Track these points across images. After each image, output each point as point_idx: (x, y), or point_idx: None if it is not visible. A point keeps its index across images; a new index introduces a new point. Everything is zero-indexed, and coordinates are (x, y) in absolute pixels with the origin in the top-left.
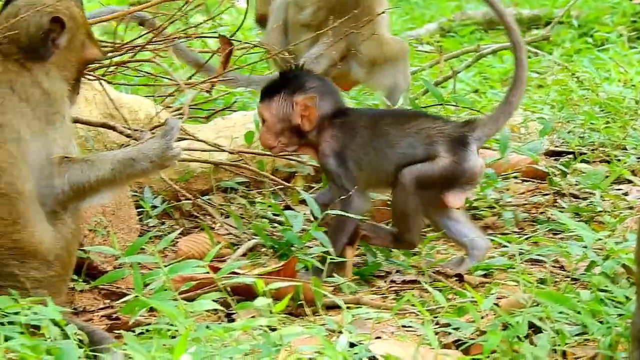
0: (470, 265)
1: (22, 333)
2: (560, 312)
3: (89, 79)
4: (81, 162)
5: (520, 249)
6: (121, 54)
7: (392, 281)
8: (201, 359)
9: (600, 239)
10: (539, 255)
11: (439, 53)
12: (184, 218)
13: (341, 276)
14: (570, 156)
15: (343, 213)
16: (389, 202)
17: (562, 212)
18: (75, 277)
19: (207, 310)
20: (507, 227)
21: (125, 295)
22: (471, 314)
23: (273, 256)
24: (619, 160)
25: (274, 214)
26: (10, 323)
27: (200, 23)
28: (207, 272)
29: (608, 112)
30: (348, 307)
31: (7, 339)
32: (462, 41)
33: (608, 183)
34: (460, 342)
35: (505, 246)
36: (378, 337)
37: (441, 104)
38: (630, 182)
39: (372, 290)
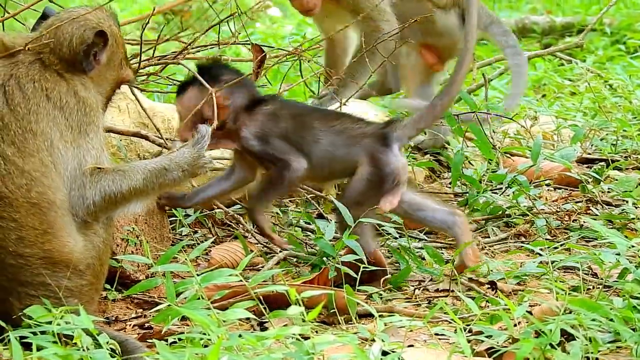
0: (463, 242)
1: (54, 342)
2: (593, 320)
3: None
4: (113, 173)
5: (553, 257)
6: (155, 64)
7: (425, 289)
8: None
9: (633, 246)
10: (571, 262)
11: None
12: (216, 227)
13: (374, 286)
14: (603, 163)
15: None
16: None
17: (595, 219)
18: (107, 286)
19: (240, 319)
20: (540, 234)
21: (157, 304)
22: (504, 322)
23: (306, 265)
24: None
25: (307, 222)
26: (43, 332)
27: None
28: (240, 281)
29: None
30: (381, 315)
31: (39, 348)
32: (495, 49)
33: None
34: (492, 350)
35: (538, 254)
36: (411, 345)
37: (474, 112)
38: None
39: (405, 299)
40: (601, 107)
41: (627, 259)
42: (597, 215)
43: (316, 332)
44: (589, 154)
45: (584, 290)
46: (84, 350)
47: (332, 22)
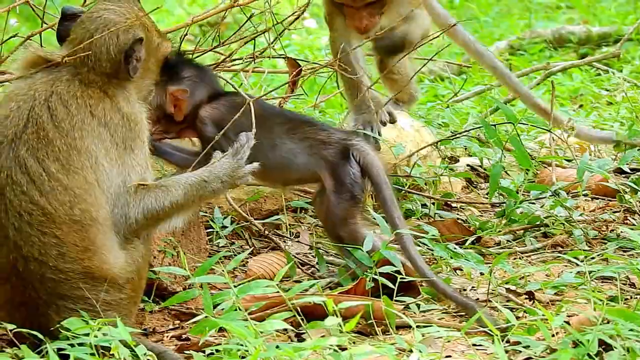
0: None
1: (92, 354)
2: (631, 330)
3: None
4: (155, 189)
5: (591, 267)
6: None
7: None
8: None
9: None
10: (609, 272)
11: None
12: (253, 238)
13: (411, 297)
14: None
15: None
16: (458, 220)
17: (632, 229)
18: (145, 298)
19: (277, 330)
20: (578, 244)
21: (195, 315)
22: (542, 332)
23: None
24: None
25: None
26: (80, 344)
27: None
28: (277, 292)
29: None
30: (418, 326)
31: None
32: (531, 59)
33: None
34: None
35: (575, 264)
36: (448, 356)
37: (512, 123)
38: None
39: (443, 309)
40: (638, 116)
41: None
42: (634, 225)
43: (353, 343)
44: (627, 164)
45: (621, 300)
46: None
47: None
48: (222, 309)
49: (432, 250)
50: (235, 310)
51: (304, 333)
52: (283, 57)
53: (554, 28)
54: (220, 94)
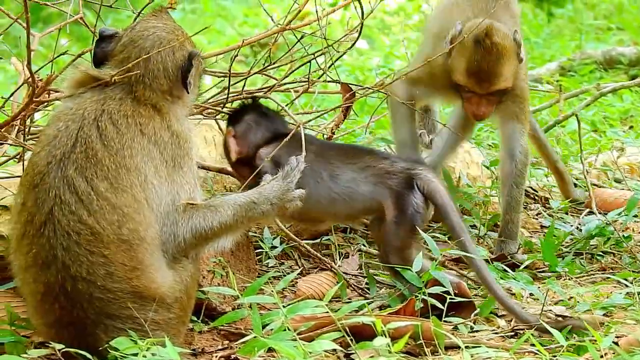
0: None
1: None
2: None
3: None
4: (204, 209)
5: None
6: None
7: (511, 320)
8: None
9: None
10: None
11: (558, 92)
12: (303, 258)
13: (461, 317)
14: None
15: None
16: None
17: None
18: (194, 318)
19: (326, 350)
20: (626, 266)
21: (244, 335)
22: (590, 353)
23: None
24: None
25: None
26: None
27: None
28: (326, 312)
29: None
30: (467, 347)
31: None
32: (581, 80)
33: None
34: None
35: (624, 285)
36: None
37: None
38: None
39: (492, 330)
40: None
41: None
42: None
43: None
44: None
45: None
46: None
47: None
48: (271, 329)
49: None
50: (284, 330)
51: (353, 353)
52: (337, 82)
53: (605, 49)
54: (283, 133)
